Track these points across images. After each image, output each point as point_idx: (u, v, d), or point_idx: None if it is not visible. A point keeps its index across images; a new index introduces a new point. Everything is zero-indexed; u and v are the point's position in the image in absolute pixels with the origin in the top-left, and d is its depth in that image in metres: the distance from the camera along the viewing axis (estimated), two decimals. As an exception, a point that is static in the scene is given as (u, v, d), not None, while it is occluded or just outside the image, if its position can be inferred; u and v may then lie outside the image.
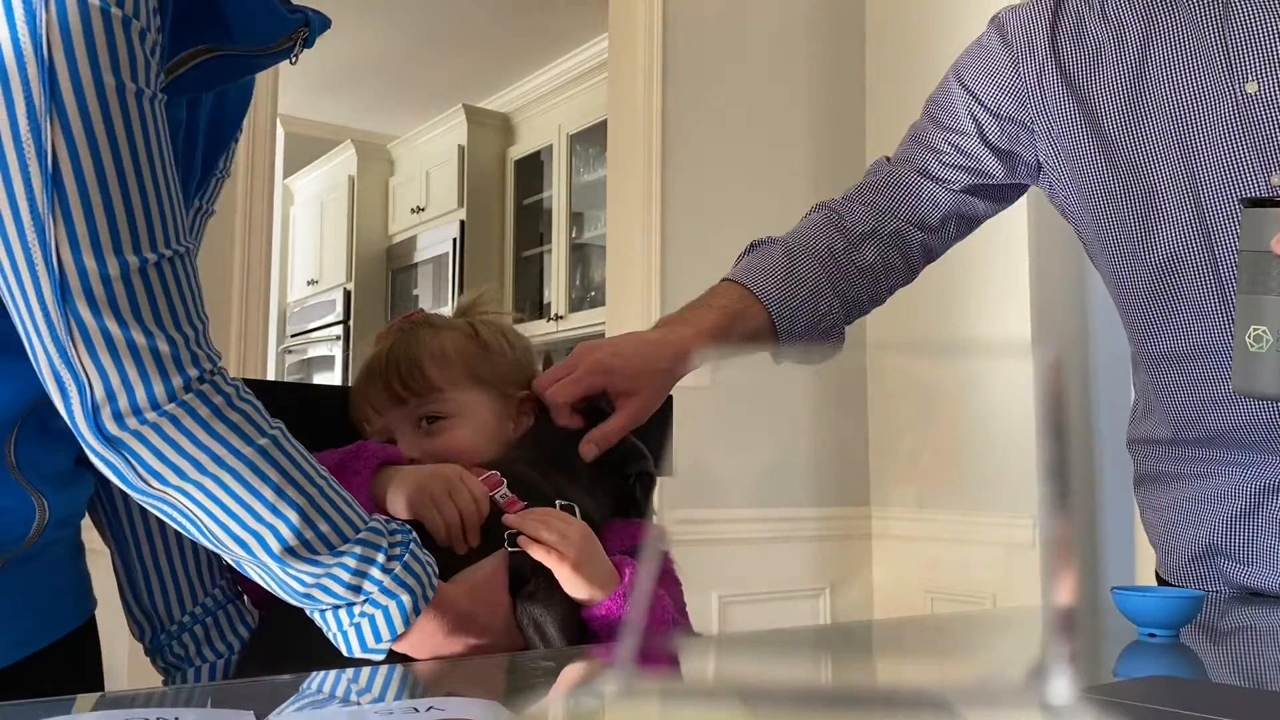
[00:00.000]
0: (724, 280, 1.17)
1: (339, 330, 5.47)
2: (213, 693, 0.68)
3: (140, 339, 0.72)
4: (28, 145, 0.69)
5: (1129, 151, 1.13)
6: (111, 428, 0.73)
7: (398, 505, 0.92)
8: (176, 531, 0.97)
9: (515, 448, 1.04)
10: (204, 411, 0.74)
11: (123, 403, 0.72)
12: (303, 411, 1.17)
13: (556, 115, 4.74)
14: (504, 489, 0.96)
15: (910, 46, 2.87)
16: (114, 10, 0.70)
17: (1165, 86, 1.10)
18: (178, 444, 0.73)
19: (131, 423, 0.72)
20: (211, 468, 0.74)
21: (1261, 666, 0.93)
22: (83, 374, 0.72)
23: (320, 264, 5.77)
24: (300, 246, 5.96)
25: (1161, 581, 1.23)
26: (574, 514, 0.95)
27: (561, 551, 0.89)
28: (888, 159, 1.29)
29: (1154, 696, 0.69)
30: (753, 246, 1.23)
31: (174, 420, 0.73)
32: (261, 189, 2.29)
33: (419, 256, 5.28)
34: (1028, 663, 0.30)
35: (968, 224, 1.28)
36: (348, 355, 5.41)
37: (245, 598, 1.00)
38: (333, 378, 5.39)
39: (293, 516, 0.76)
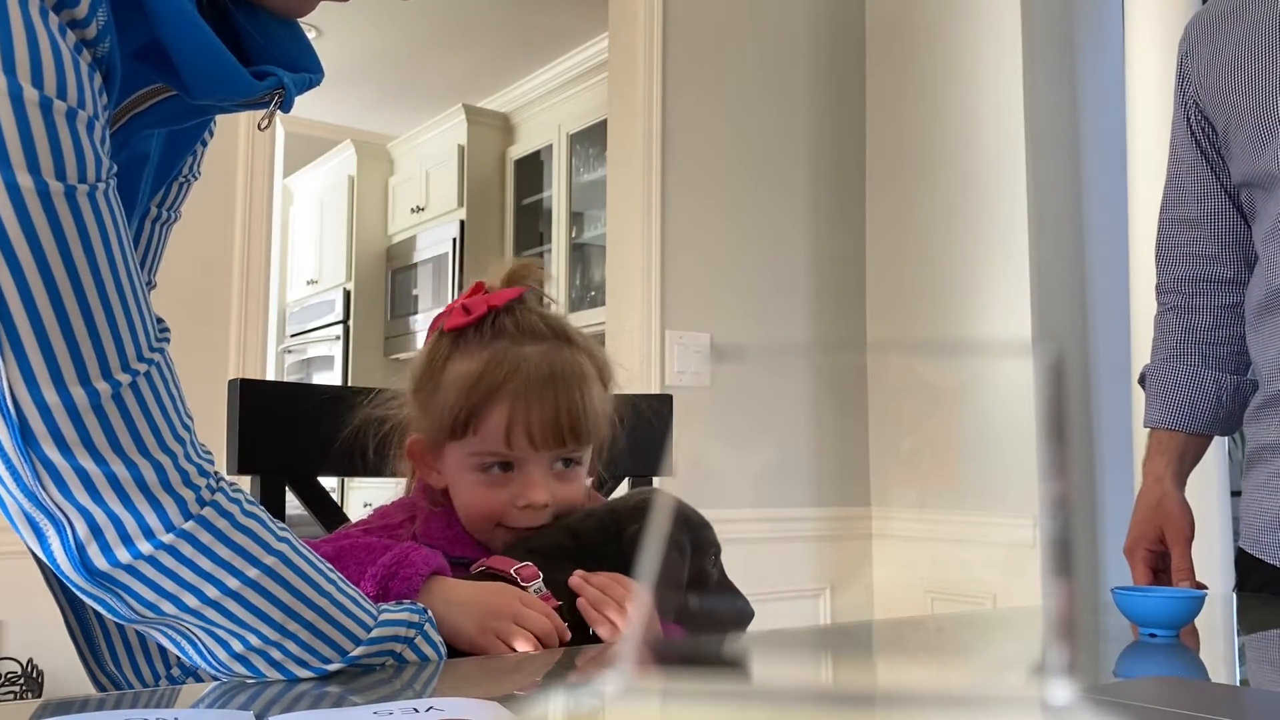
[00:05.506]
0: (1149, 429, 1.38)
1: (338, 330, 5.47)
2: (213, 693, 0.68)
3: (122, 471, 0.63)
4: None
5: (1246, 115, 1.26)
6: (100, 564, 0.64)
7: (459, 643, 0.88)
8: None
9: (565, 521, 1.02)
10: (206, 538, 0.66)
11: (111, 535, 0.63)
12: (303, 412, 1.17)
13: (556, 115, 4.74)
14: (539, 583, 0.94)
15: (910, 47, 2.87)
16: (56, 103, 0.60)
17: (1249, 57, 1.27)
18: (178, 575, 0.65)
19: (124, 556, 0.64)
20: (215, 595, 0.66)
21: (1262, 666, 0.93)
22: (60, 514, 0.63)
23: (320, 264, 5.77)
24: (300, 246, 5.97)
25: (1240, 553, 1.29)
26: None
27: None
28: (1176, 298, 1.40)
29: (1154, 696, 0.69)
30: (1142, 379, 1.42)
31: (173, 551, 0.65)
32: (261, 189, 2.29)
33: (419, 256, 5.28)
34: (1028, 663, 0.30)
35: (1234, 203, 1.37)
36: (347, 355, 5.41)
37: None
38: (332, 377, 5.39)
39: (302, 634, 0.70)
